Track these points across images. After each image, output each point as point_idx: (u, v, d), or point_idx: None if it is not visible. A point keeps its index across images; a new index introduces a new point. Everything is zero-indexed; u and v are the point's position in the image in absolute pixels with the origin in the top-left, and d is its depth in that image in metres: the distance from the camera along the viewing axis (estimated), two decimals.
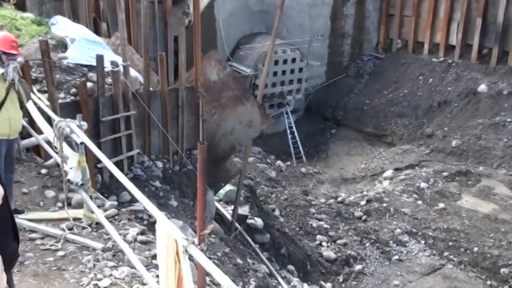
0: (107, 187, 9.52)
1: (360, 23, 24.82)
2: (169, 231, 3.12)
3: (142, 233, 5.42)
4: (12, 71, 5.49)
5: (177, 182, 11.16)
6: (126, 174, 9.57)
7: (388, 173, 18.72)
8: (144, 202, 3.57)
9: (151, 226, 7.66)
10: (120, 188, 9.48)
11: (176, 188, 11.04)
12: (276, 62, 21.33)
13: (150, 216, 8.36)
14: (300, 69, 22.39)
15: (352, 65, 24.98)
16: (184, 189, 11.18)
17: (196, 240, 3.05)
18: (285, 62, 21.81)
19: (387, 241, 14.20)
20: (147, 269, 4.40)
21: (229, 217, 12.28)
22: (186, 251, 3.02)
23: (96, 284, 4.37)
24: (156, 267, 4.75)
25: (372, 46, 25.45)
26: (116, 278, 4.44)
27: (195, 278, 3.51)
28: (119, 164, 9.50)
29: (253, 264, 11.05)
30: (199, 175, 3.03)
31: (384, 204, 15.77)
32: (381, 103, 22.64)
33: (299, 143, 21.94)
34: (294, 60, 22.02)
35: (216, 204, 12.44)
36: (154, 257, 4.93)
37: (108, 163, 4.50)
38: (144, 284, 4.36)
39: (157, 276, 4.56)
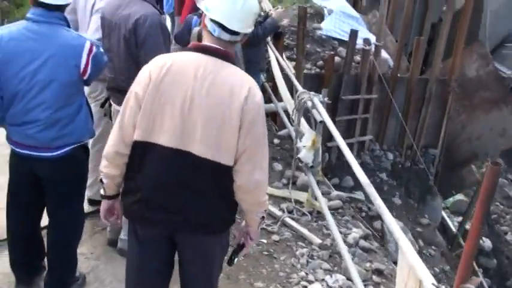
0: (331, 168, 9.13)
1: None
2: (413, 266, 2.39)
3: (365, 237, 4.74)
4: None
5: (405, 178, 10.25)
6: None
7: None
8: (381, 208, 2.90)
9: (370, 220, 7.00)
10: (344, 172, 9.02)
11: (403, 184, 10.14)
12: None
13: (369, 208, 7.71)
14: None
15: None
16: (412, 188, 10.23)
17: None
18: None
19: None
20: (365, 285, 3.71)
21: (454, 230, 10.95)
22: None
23: (306, 287, 3.86)
24: (375, 285, 4.06)
25: None
26: (328, 285, 3.85)
27: None
28: (348, 147, 9.03)
29: None
30: (478, 207, 2.24)
31: None
32: None
33: None
34: None
35: (442, 212, 11.21)
36: (374, 271, 4.23)
37: (345, 148, 3.98)
38: None
39: None
